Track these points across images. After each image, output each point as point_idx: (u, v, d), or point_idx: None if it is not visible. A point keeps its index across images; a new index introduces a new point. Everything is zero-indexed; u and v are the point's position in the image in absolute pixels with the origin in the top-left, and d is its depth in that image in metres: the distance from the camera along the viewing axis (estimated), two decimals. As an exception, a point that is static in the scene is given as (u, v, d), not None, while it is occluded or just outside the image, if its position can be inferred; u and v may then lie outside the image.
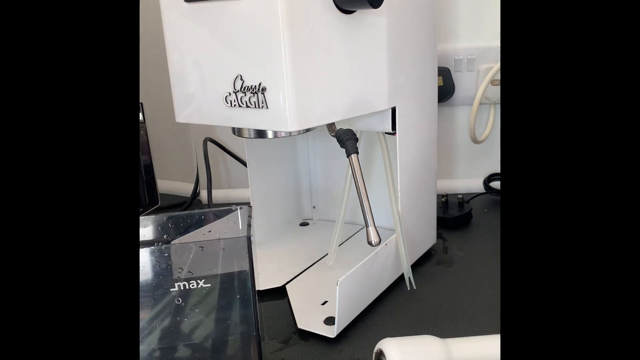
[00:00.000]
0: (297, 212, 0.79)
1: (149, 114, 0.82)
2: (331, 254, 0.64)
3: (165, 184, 1.00)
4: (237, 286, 0.42)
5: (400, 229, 0.58)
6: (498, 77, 0.81)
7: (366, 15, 0.48)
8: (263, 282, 0.62)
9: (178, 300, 0.41)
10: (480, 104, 0.82)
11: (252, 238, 0.42)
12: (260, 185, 0.70)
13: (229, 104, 0.46)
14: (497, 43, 0.81)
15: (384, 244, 0.56)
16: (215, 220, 0.49)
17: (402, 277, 0.61)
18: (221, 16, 0.44)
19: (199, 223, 0.49)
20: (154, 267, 0.40)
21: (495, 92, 0.83)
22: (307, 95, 0.44)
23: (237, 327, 0.43)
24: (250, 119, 0.45)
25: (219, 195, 0.92)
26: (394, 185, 0.58)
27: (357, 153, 0.51)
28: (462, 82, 0.84)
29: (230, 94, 0.45)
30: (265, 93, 0.43)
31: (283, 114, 0.43)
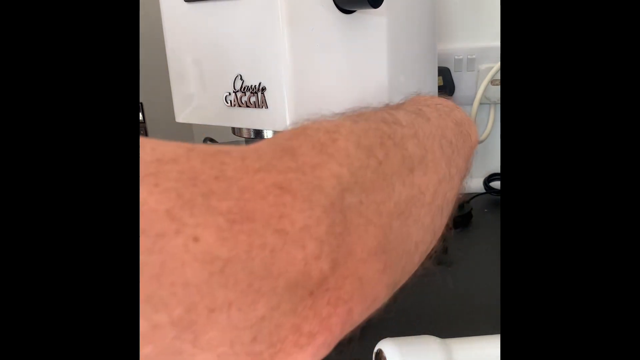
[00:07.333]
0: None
1: (149, 114, 0.82)
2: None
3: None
4: None
5: None
6: (498, 77, 0.81)
7: (366, 15, 0.48)
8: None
9: None
10: (480, 104, 0.82)
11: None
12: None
13: (229, 104, 0.46)
14: (497, 43, 0.81)
15: (384, 244, 0.56)
16: None
17: (402, 277, 0.61)
18: (221, 16, 0.44)
19: None
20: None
21: (495, 92, 0.83)
22: (307, 95, 0.44)
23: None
24: (250, 119, 0.45)
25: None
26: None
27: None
28: (462, 82, 0.84)
29: (230, 93, 0.45)
30: (265, 93, 0.43)
31: (283, 113, 0.43)
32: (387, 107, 0.35)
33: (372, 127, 0.26)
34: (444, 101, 0.39)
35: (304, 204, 0.20)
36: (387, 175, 0.25)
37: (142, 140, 0.21)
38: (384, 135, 0.26)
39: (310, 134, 0.23)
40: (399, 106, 0.36)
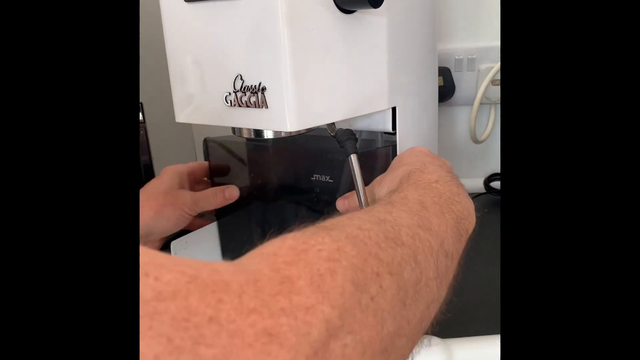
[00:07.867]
0: (297, 212, 0.79)
1: (149, 114, 0.82)
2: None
3: (165, 184, 1.00)
4: None
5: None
6: (498, 77, 0.81)
7: (366, 15, 0.48)
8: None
9: None
10: (481, 104, 0.82)
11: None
12: (260, 185, 0.70)
13: (229, 104, 0.46)
14: (497, 43, 0.81)
15: (384, 244, 0.56)
16: None
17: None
18: (221, 16, 0.44)
19: None
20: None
21: (496, 92, 0.83)
22: (307, 95, 0.44)
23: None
24: (250, 119, 0.45)
25: (219, 195, 0.92)
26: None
27: (357, 153, 0.51)
28: (462, 82, 0.84)
29: (230, 93, 0.45)
30: (265, 93, 0.43)
31: (283, 114, 0.43)
32: (392, 203, 0.35)
33: (372, 254, 0.27)
34: (446, 183, 0.39)
35: (289, 353, 0.20)
36: (379, 311, 0.25)
37: (145, 260, 0.20)
38: (382, 264, 0.27)
39: (311, 261, 0.24)
40: (403, 198, 0.36)
